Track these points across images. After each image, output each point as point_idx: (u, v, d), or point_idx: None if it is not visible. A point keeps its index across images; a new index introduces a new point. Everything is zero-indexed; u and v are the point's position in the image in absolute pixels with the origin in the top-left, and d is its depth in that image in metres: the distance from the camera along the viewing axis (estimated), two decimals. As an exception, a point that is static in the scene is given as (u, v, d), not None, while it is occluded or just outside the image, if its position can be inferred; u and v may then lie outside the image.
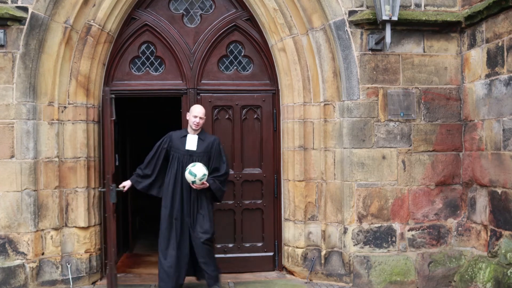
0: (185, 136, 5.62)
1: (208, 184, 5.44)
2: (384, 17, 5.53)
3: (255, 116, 6.53)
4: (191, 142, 5.58)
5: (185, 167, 5.40)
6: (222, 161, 5.63)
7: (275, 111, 6.53)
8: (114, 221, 5.70)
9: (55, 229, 5.88)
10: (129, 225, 8.13)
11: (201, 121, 5.58)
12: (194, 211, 5.51)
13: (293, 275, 6.31)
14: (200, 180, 5.33)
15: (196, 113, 5.58)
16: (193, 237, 5.48)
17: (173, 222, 5.49)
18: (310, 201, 6.22)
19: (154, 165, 5.62)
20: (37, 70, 5.71)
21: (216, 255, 5.87)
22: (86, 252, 6.01)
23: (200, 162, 5.46)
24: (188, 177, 5.33)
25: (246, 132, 6.51)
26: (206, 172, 5.36)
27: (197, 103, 6.41)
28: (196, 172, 5.32)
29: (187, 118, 5.62)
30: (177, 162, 5.55)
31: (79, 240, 5.99)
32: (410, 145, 6.03)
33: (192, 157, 5.52)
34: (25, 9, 5.60)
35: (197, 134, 5.61)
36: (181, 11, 6.48)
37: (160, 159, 5.62)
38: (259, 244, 6.53)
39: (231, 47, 6.56)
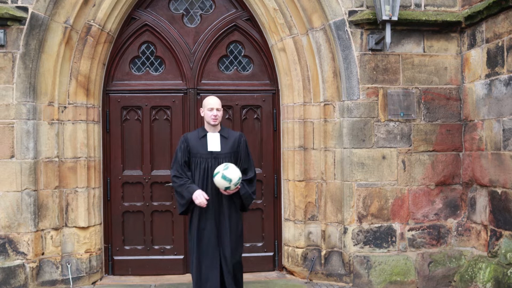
0: (205, 135, 4.80)
1: (238, 189, 4.70)
2: (384, 17, 5.53)
3: (255, 116, 6.53)
4: (213, 142, 4.78)
5: (211, 173, 4.66)
6: (250, 162, 4.89)
7: (275, 111, 6.53)
8: None
9: (55, 229, 5.88)
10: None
11: (219, 114, 4.78)
12: (223, 224, 4.77)
13: (293, 275, 6.31)
14: (235, 185, 4.58)
15: (211, 105, 4.77)
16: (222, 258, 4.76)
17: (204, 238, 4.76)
18: (310, 201, 6.22)
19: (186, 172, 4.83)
20: (37, 70, 5.71)
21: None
22: (86, 252, 6.02)
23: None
24: (221, 183, 4.53)
25: (246, 132, 6.49)
26: (241, 175, 4.61)
27: (197, 103, 6.42)
28: (231, 175, 4.52)
29: (202, 114, 4.86)
30: (199, 168, 4.76)
31: (79, 240, 5.99)
32: (410, 145, 6.03)
33: (217, 160, 4.73)
34: (25, 9, 5.60)
35: (218, 132, 4.84)
36: (181, 11, 6.48)
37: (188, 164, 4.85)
38: (259, 244, 6.53)
39: (231, 47, 6.56)
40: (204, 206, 4.60)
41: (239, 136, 4.90)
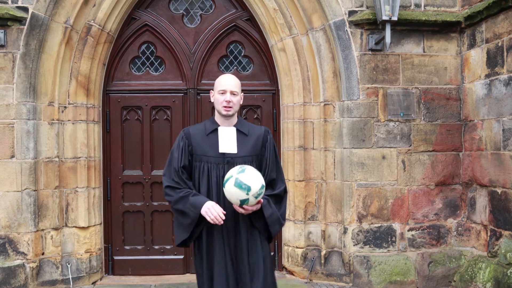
0: (215, 130, 3.38)
1: (260, 205, 3.25)
2: (384, 17, 5.53)
3: (255, 116, 6.53)
4: (227, 140, 3.33)
5: (222, 184, 3.23)
6: (279, 170, 3.46)
7: (275, 111, 6.53)
8: None
9: (55, 229, 5.88)
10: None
11: (235, 100, 3.36)
12: (242, 260, 3.34)
13: (293, 275, 6.31)
14: (255, 198, 3.12)
15: (223, 86, 3.35)
16: None
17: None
18: (310, 201, 6.22)
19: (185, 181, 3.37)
20: (37, 70, 5.71)
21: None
22: (86, 252, 6.02)
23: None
24: (234, 194, 3.09)
25: (246, 132, 6.51)
26: (264, 182, 3.17)
27: (197, 103, 6.43)
28: (250, 181, 3.08)
29: (212, 99, 3.48)
30: (206, 177, 3.33)
31: (79, 240, 5.99)
32: (410, 145, 6.04)
33: (232, 166, 3.28)
34: (25, 9, 5.60)
35: (234, 126, 3.41)
36: (181, 11, 6.49)
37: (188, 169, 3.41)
38: (259, 244, 6.53)
39: (231, 47, 6.56)
40: (220, 223, 3.17)
41: (264, 132, 3.45)
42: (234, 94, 3.36)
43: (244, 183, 3.06)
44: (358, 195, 5.94)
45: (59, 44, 5.83)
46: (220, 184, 3.25)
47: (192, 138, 3.38)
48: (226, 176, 3.16)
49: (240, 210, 3.19)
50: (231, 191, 3.10)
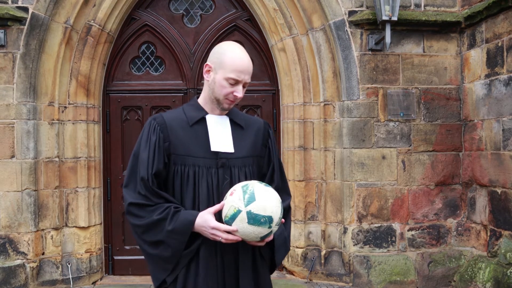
0: (202, 120, 2.40)
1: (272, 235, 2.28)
2: (384, 17, 5.54)
3: (255, 116, 6.53)
4: (220, 133, 2.39)
5: (217, 199, 2.32)
6: (283, 176, 2.56)
7: (275, 111, 6.54)
8: None
9: (56, 229, 5.89)
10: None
11: (243, 91, 2.40)
12: None
13: (293, 275, 6.31)
14: (278, 226, 2.23)
15: (238, 74, 2.32)
16: None
17: None
18: (310, 201, 6.22)
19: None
20: (38, 70, 5.71)
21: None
22: (86, 252, 6.02)
23: (252, 179, 2.38)
24: (253, 233, 2.15)
25: (246, 132, 6.50)
26: (280, 199, 2.25)
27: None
28: (270, 209, 2.15)
29: (207, 77, 2.40)
30: (193, 188, 2.32)
31: (80, 240, 6.00)
32: (410, 145, 6.04)
33: (228, 171, 2.36)
34: (25, 9, 5.61)
35: (227, 115, 2.44)
36: (181, 11, 6.49)
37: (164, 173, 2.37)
38: (259, 244, 6.52)
39: (231, 47, 6.56)
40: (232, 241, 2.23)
41: (264, 126, 2.54)
42: (245, 86, 2.37)
43: (262, 215, 2.11)
44: (358, 195, 5.95)
45: (59, 44, 5.83)
46: (212, 198, 2.30)
47: (170, 131, 2.33)
48: (227, 211, 2.16)
49: (257, 245, 2.27)
50: (246, 232, 2.14)
